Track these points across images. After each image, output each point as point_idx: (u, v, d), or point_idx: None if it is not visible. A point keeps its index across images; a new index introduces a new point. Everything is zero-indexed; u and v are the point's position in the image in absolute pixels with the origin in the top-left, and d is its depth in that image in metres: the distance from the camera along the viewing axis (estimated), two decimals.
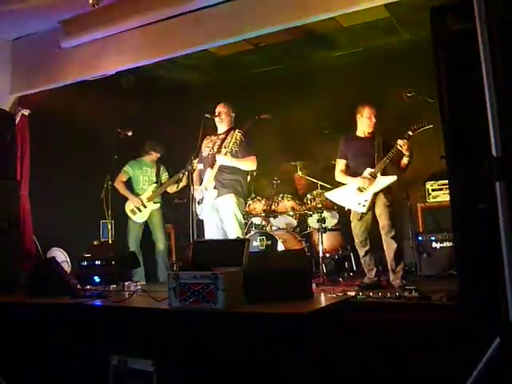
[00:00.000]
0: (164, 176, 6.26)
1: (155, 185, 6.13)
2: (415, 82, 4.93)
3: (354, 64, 6.58)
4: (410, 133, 4.61)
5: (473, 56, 2.35)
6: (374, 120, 4.84)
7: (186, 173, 5.21)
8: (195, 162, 5.07)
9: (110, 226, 6.10)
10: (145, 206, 6.03)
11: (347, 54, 6.80)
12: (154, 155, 6.22)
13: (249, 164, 4.99)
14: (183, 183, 5.85)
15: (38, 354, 3.74)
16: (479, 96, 2.29)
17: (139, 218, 6.03)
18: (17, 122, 5.76)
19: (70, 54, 5.52)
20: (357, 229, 4.82)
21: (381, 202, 4.68)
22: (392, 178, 4.69)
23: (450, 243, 5.18)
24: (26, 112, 5.86)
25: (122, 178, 6.14)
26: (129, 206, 6.07)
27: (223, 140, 5.03)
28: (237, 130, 4.95)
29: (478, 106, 2.33)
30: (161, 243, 6.08)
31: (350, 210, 4.94)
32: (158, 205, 6.09)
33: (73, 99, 5.95)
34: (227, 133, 5.08)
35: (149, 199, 6.05)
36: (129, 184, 6.19)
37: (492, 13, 2.49)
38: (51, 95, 5.87)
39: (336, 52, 6.82)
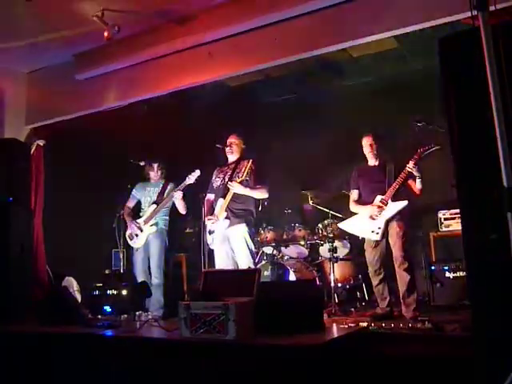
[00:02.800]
0: (177, 194, 5.50)
1: (154, 205, 5.63)
2: (426, 111, 4.96)
3: (366, 93, 6.63)
4: (417, 156, 4.62)
5: (483, 86, 2.36)
6: (373, 148, 4.88)
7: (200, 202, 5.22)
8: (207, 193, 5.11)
9: (121, 255, 6.10)
10: (141, 230, 5.59)
11: (358, 83, 6.88)
12: (157, 172, 5.82)
13: (261, 193, 5.02)
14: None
15: (47, 382, 3.72)
16: (490, 126, 2.29)
17: (136, 243, 5.60)
18: (32, 152, 5.86)
19: (83, 86, 5.65)
20: (371, 257, 4.80)
21: (394, 230, 4.66)
22: (403, 203, 4.67)
23: (464, 273, 5.12)
24: (41, 142, 5.96)
25: (129, 203, 5.86)
26: (127, 232, 5.70)
27: (234, 169, 5.07)
28: (250, 160, 4.99)
29: (489, 136, 2.33)
30: (155, 277, 5.49)
31: (362, 239, 4.92)
32: (154, 228, 5.54)
33: (87, 129, 6.05)
34: (237, 162, 5.12)
35: (145, 222, 5.59)
36: (138, 208, 5.85)
37: (499, 42, 2.53)
38: (67, 125, 5.97)
39: (347, 82, 6.90)
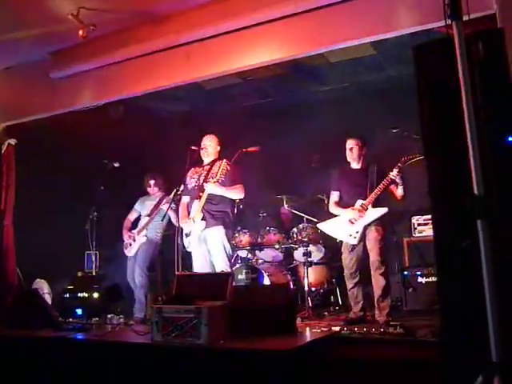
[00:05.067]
0: (164, 207, 5.68)
1: (147, 218, 5.87)
2: (402, 118, 5.00)
3: (342, 98, 6.68)
4: (401, 164, 4.66)
5: (455, 95, 2.39)
6: (354, 152, 4.90)
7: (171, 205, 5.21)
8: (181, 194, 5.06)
9: (94, 258, 6.03)
10: (134, 240, 5.82)
11: (335, 88, 6.91)
12: (153, 188, 6.02)
13: (237, 192, 4.99)
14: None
15: None
16: (463, 134, 2.32)
17: (129, 252, 5.81)
18: (3, 151, 5.75)
19: (58, 85, 5.55)
20: (347, 260, 4.82)
21: (372, 235, 4.68)
22: (382, 210, 4.71)
23: (436, 278, 5.18)
24: (13, 141, 5.84)
25: (130, 215, 6.06)
26: (124, 242, 5.90)
27: (209, 170, 5.03)
28: (223, 160, 4.97)
29: (461, 144, 2.36)
30: (137, 278, 5.61)
31: (338, 244, 4.95)
32: (145, 238, 5.77)
33: (60, 128, 5.95)
34: (212, 163, 5.09)
35: (138, 232, 5.84)
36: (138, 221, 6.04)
37: (473, 52, 2.57)
38: (39, 124, 5.86)
39: (324, 87, 6.93)
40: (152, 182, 6.01)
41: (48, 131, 5.88)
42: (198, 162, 5.20)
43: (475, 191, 2.18)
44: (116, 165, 5.93)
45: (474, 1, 2.60)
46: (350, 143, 4.96)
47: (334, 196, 5.06)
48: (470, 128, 2.23)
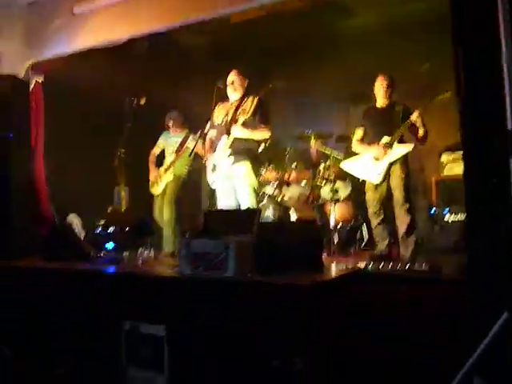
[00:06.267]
0: (190, 144, 5.73)
1: (174, 155, 5.88)
2: (434, 52, 4.82)
3: (372, 32, 6.42)
4: (427, 102, 4.55)
5: (493, 26, 2.28)
6: (386, 88, 4.78)
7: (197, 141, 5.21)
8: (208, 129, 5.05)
9: (123, 194, 6.14)
10: (161, 178, 5.87)
11: (365, 22, 6.65)
12: (176, 129, 6.04)
13: (263, 134, 4.94)
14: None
15: (51, 317, 3.83)
16: (497, 69, 2.23)
17: (156, 190, 5.89)
18: (31, 88, 5.77)
19: (83, 21, 5.46)
20: (371, 199, 4.80)
21: (396, 173, 4.64)
22: (409, 147, 4.63)
23: (463, 216, 5.14)
24: (40, 79, 5.84)
25: (155, 150, 6.11)
26: (150, 179, 5.97)
27: (237, 107, 4.97)
28: (252, 97, 4.89)
29: (496, 79, 2.27)
30: (165, 214, 5.74)
31: (364, 180, 4.92)
32: (171, 176, 5.80)
33: (86, 66, 5.92)
34: (241, 100, 5.01)
35: (165, 170, 5.87)
36: (163, 156, 6.09)
37: None
38: (65, 62, 5.83)
39: (354, 20, 6.66)
40: (171, 122, 6.04)
41: (74, 69, 5.87)
42: (225, 98, 5.14)
43: (509, 127, 2.11)
44: (142, 101, 5.91)
45: None
46: (383, 80, 4.82)
47: (358, 133, 4.97)
48: (507, 62, 2.14)
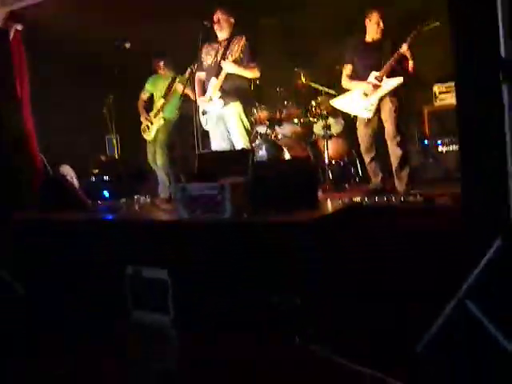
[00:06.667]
0: (179, 87, 5.61)
1: (163, 99, 5.72)
2: None
3: None
4: (412, 37, 4.45)
5: None
6: (381, 25, 4.66)
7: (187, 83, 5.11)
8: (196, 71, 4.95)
9: (115, 142, 6.09)
10: (151, 123, 5.75)
11: None
12: (164, 69, 5.90)
13: (254, 72, 4.85)
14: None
15: (53, 267, 3.88)
16: None
17: (148, 135, 5.78)
18: (11, 38, 5.59)
19: None
20: (362, 134, 4.78)
21: (387, 106, 4.61)
22: (398, 80, 4.56)
23: (457, 146, 5.15)
24: (20, 27, 5.65)
25: (143, 95, 5.96)
26: (142, 125, 5.86)
27: (227, 47, 4.86)
28: (242, 37, 4.77)
29: (489, 5, 2.22)
30: (158, 159, 5.68)
31: (356, 116, 4.88)
32: (162, 121, 5.67)
33: (65, 11, 5.72)
34: (230, 39, 4.89)
35: (155, 115, 5.75)
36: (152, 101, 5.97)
37: None
38: (44, 9, 5.63)
39: None
40: (161, 62, 5.87)
41: (54, 15, 5.67)
42: (213, 37, 5.01)
43: (502, 54, 2.08)
44: (127, 45, 5.73)
45: None
46: (377, 17, 4.66)
47: (347, 69, 4.88)
48: None
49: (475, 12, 2.57)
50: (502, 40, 2.08)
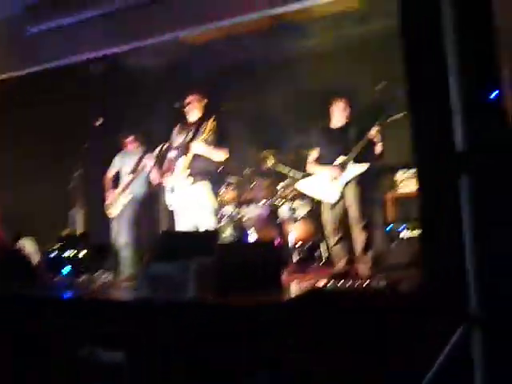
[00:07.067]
0: (147, 164, 5.61)
1: (131, 175, 5.73)
2: (387, 72, 4.93)
3: (327, 53, 6.55)
4: (381, 122, 4.63)
5: (439, 46, 2.36)
6: (347, 112, 4.86)
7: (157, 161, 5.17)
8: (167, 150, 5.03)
9: (80, 216, 6.01)
10: (117, 200, 5.70)
11: (320, 43, 6.79)
12: (133, 143, 5.91)
13: (222, 154, 4.97)
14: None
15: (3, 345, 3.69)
16: (447, 89, 2.31)
17: (113, 211, 5.72)
18: None
19: (37, 40, 5.40)
20: (329, 218, 4.85)
21: (352, 191, 4.71)
22: (363, 167, 4.71)
23: (418, 232, 5.25)
24: None
25: (111, 171, 5.92)
26: (106, 201, 5.79)
27: (197, 129, 4.99)
28: (212, 119, 4.92)
29: (444, 99, 2.35)
30: (121, 237, 5.61)
31: (320, 200, 4.97)
32: (129, 197, 5.67)
33: (40, 85, 5.84)
34: (200, 121, 5.03)
35: (121, 192, 5.72)
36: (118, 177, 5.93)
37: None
38: (19, 81, 5.73)
39: (307, 42, 6.80)
40: (131, 137, 5.88)
41: (28, 88, 5.77)
42: (184, 119, 5.14)
43: (458, 147, 2.19)
44: (99, 122, 5.83)
45: None
46: (343, 105, 4.89)
47: (314, 154, 5.03)
48: (454, 77, 2.21)
49: (433, 103, 2.72)
50: (457, 132, 2.19)
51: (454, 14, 2.31)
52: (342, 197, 4.75)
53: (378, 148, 4.69)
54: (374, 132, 4.62)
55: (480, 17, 2.52)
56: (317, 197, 4.96)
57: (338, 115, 4.90)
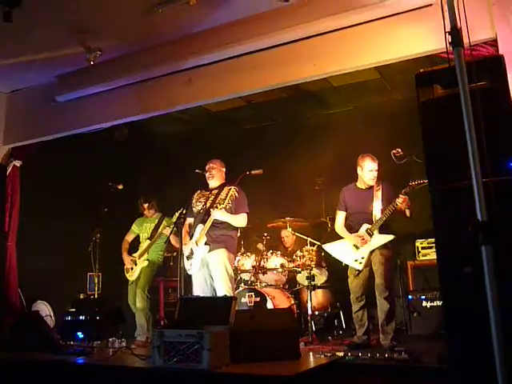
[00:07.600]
0: (165, 230, 5.69)
1: (148, 241, 5.77)
2: (406, 141, 4.97)
3: (346, 122, 6.66)
4: (407, 190, 4.58)
5: (457, 121, 2.39)
6: (376, 172, 4.82)
7: (175, 227, 5.18)
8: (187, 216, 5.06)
9: (96, 280, 6.00)
10: (136, 264, 5.72)
11: (338, 112, 6.95)
12: (149, 210, 5.99)
13: (241, 220, 4.99)
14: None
15: None
16: (465, 158, 2.31)
17: (131, 276, 5.72)
18: (8, 172, 5.78)
19: (64, 108, 5.62)
20: (353, 284, 4.76)
21: (377, 259, 4.62)
22: (388, 238, 4.62)
23: (441, 302, 5.12)
24: (18, 163, 5.88)
25: (128, 237, 6.01)
26: (125, 266, 5.81)
27: (217, 195, 5.03)
28: (232, 186, 4.97)
29: (464, 169, 2.35)
30: (138, 302, 5.52)
31: (340, 268, 4.90)
32: (147, 262, 5.68)
33: (65, 151, 6.02)
34: (221, 188, 5.09)
35: (139, 256, 5.75)
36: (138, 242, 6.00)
37: (475, 80, 2.58)
38: (45, 146, 5.92)
39: (327, 110, 6.97)
40: (146, 204, 5.97)
41: (53, 153, 5.94)
42: (204, 185, 5.21)
43: (478, 217, 2.16)
44: (120, 187, 5.94)
45: (475, 27, 2.62)
46: (371, 164, 4.81)
47: (341, 217, 4.97)
48: (472, 154, 2.22)
49: (452, 174, 2.73)
50: (477, 203, 2.17)
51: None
52: (368, 265, 4.67)
53: (407, 212, 4.63)
54: (404, 197, 4.56)
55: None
56: (343, 261, 4.85)
57: (365, 176, 4.82)
